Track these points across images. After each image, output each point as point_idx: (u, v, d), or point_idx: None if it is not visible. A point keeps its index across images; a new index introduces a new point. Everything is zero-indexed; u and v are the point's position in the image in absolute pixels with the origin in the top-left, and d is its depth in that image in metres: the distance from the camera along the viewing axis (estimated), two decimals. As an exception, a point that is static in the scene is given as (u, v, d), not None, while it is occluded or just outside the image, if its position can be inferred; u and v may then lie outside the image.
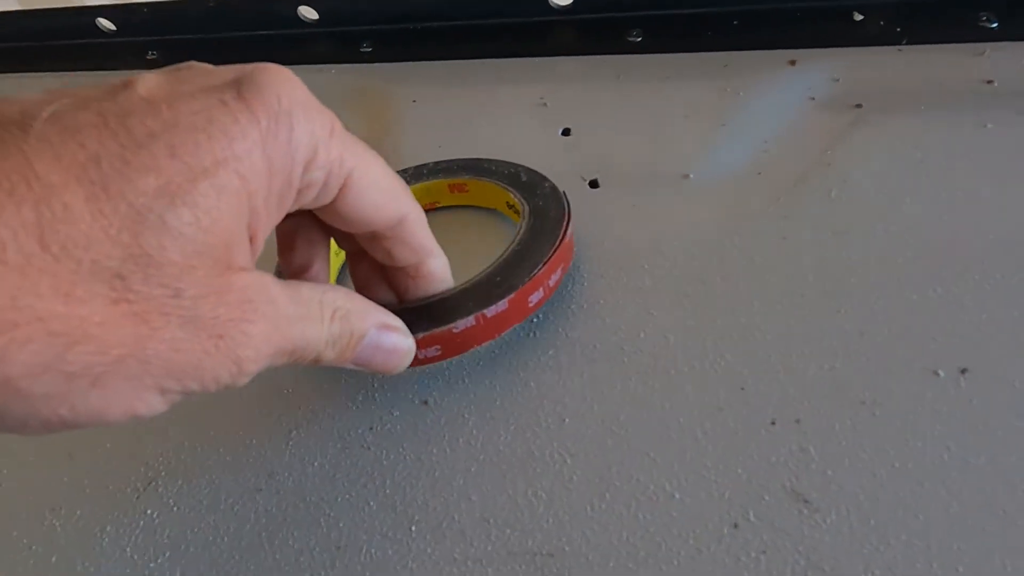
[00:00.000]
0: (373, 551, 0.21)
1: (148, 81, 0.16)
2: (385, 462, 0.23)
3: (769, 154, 0.30)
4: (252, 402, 0.25)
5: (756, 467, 0.20)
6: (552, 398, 0.23)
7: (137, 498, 0.24)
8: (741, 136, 0.31)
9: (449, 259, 0.24)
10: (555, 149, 0.33)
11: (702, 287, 0.25)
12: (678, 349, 0.24)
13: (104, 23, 0.47)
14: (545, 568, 0.20)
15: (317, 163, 0.18)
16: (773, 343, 0.23)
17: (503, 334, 0.24)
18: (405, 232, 0.21)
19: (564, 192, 0.27)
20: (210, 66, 0.18)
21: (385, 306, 0.21)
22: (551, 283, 0.24)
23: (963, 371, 0.21)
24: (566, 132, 0.33)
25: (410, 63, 0.40)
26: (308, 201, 0.19)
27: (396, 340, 0.21)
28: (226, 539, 0.22)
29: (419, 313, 0.23)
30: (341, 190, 0.19)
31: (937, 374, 0.21)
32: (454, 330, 0.22)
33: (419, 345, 0.22)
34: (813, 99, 0.31)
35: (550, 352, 0.24)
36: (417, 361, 0.22)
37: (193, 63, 0.18)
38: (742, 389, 0.22)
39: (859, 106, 0.30)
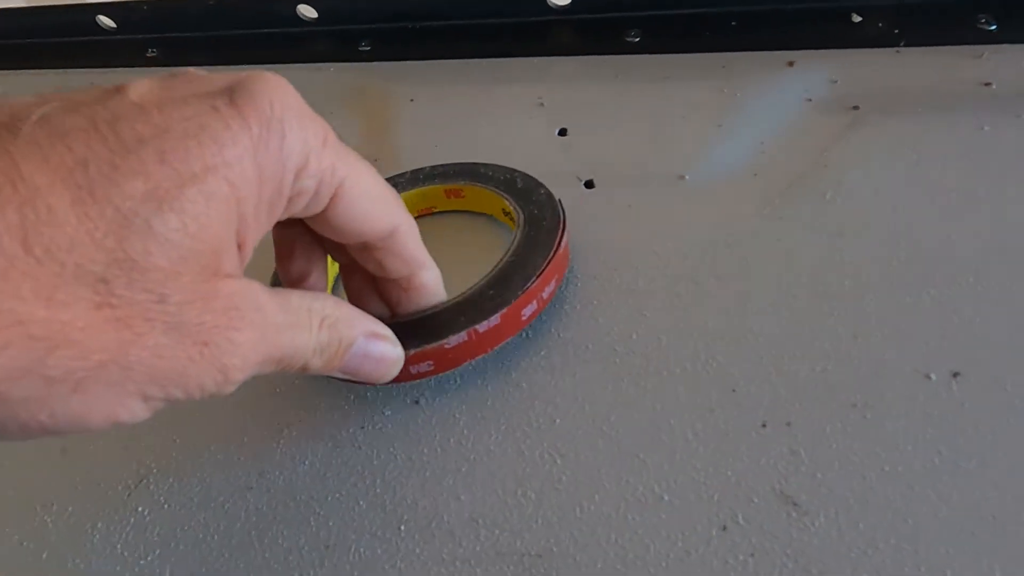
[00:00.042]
0: (362, 550, 0.21)
1: (140, 86, 0.16)
2: (376, 461, 0.23)
3: (765, 155, 0.30)
4: (244, 401, 0.25)
5: (746, 469, 0.20)
6: (543, 399, 0.23)
7: (128, 495, 0.24)
8: (738, 137, 0.31)
9: (444, 266, 0.24)
10: (552, 149, 0.33)
11: (695, 288, 0.25)
12: (670, 350, 0.23)
13: (104, 20, 0.47)
14: (533, 569, 0.20)
15: (308, 171, 0.18)
16: (765, 345, 0.23)
17: (497, 347, 0.24)
18: (396, 244, 0.21)
19: (560, 200, 0.27)
20: (205, 73, 0.18)
21: (378, 319, 0.21)
22: (545, 295, 0.24)
23: (955, 375, 0.21)
24: (563, 132, 0.33)
25: (408, 62, 0.40)
26: (299, 210, 0.18)
27: (384, 349, 0.21)
28: (216, 537, 0.22)
29: (411, 328, 0.23)
30: (332, 199, 0.19)
31: (929, 377, 0.21)
32: (446, 346, 0.22)
33: (411, 361, 0.22)
34: (810, 100, 0.31)
35: (542, 352, 0.24)
36: (409, 376, 0.23)
37: (188, 70, 0.18)
38: (733, 391, 0.22)
39: (856, 108, 0.30)
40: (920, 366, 0.21)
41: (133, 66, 0.46)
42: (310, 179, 0.18)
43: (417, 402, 0.24)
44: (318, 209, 0.19)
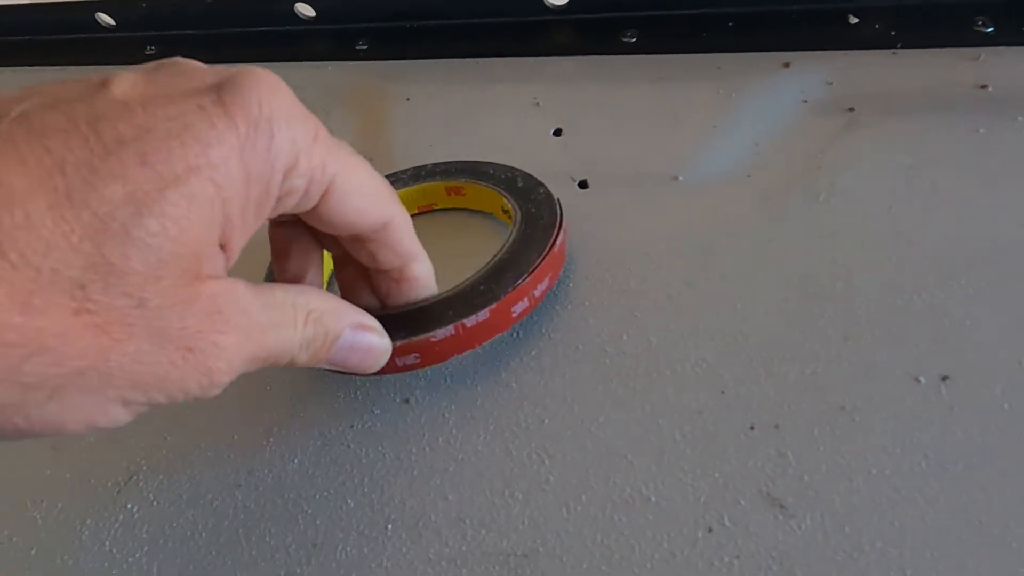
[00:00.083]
0: (349, 549, 0.21)
1: (124, 82, 0.16)
2: (364, 460, 0.23)
3: (759, 157, 0.29)
4: (235, 399, 0.25)
5: (733, 471, 0.20)
6: (533, 399, 0.23)
7: (118, 492, 0.24)
8: (732, 138, 0.31)
9: (442, 263, 0.24)
10: (546, 149, 0.33)
11: (687, 289, 0.25)
12: (660, 352, 0.23)
13: (103, 18, 0.47)
14: (519, 569, 0.20)
15: (298, 171, 0.17)
16: (755, 347, 0.23)
17: (485, 344, 0.23)
18: (389, 236, 0.21)
19: (559, 199, 0.27)
20: (194, 64, 0.17)
21: (367, 310, 0.21)
22: (537, 293, 0.24)
23: (944, 378, 0.21)
24: (558, 132, 0.33)
25: (405, 61, 0.40)
26: (288, 208, 0.18)
27: (371, 340, 0.21)
28: (204, 535, 0.22)
29: (399, 320, 0.23)
30: (323, 196, 0.19)
31: (918, 381, 0.21)
32: (432, 339, 0.22)
33: (397, 353, 0.22)
34: (806, 102, 0.31)
35: (532, 353, 0.24)
36: (395, 368, 0.22)
37: (178, 60, 0.17)
38: (722, 393, 0.22)
39: (852, 110, 0.30)
40: (910, 369, 0.21)
41: (132, 63, 0.46)
42: (300, 178, 0.17)
43: (407, 401, 0.24)
44: (308, 206, 0.19)
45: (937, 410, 0.20)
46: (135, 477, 0.24)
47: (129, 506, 0.23)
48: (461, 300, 0.23)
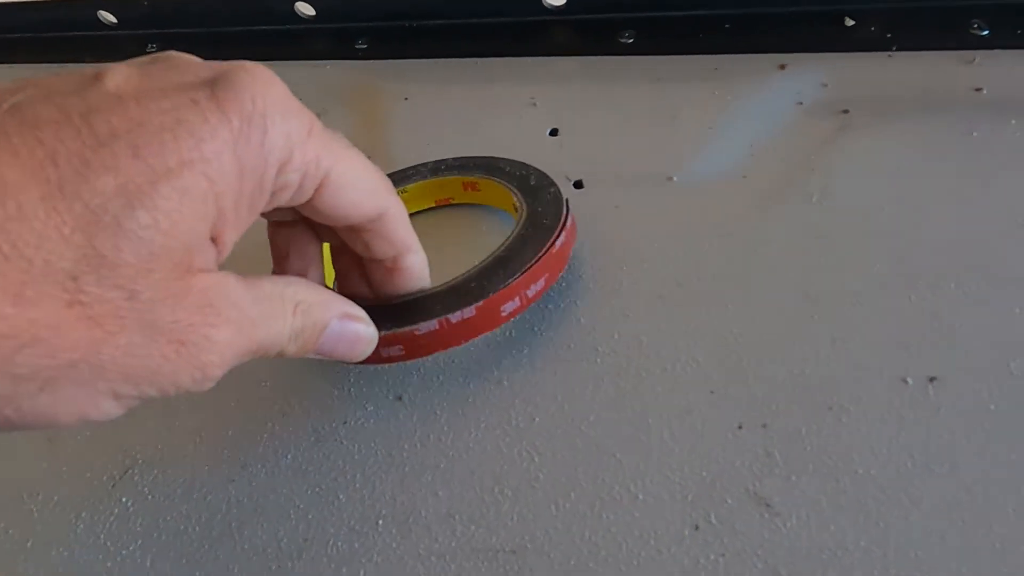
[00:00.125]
0: (340, 544, 0.21)
1: (119, 75, 0.16)
2: (356, 456, 0.23)
3: (754, 158, 0.30)
4: (230, 394, 0.26)
5: (720, 470, 0.20)
6: (524, 397, 0.23)
7: (113, 486, 0.24)
8: (727, 139, 0.31)
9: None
10: (542, 149, 0.33)
11: (678, 289, 0.25)
12: (651, 351, 0.24)
13: (105, 16, 0.47)
14: (507, 565, 0.20)
15: (292, 165, 0.17)
16: (745, 347, 0.23)
17: (473, 341, 0.23)
18: (384, 227, 0.21)
19: (567, 200, 0.26)
20: (189, 58, 0.18)
21: (358, 300, 0.21)
22: (530, 294, 0.24)
23: (932, 379, 0.21)
24: (554, 132, 0.33)
25: (404, 60, 0.40)
26: (283, 202, 0.18)
27: (358, 329, 0.21)
28: (197, 528, 0.22)
29: (386, 312, 0.23)
30: (318, 189, 0.19)
31: (906, 382, 0.21)
32: (416, 332, 0.22)
33: (381, 343, 0.22)
34: (801, 104, 0.31)
35: (524, 351, 0.25)
36: (380, 359, 0.23)
37: (171, 54, 0.17)
38: (711, 392, 0.22)
39: (846, 112, 0.30)
40: (898, 370, 0.21)
41: (133, 61, 0.46)
42: (294, 173, 0.18)
43: (400, 398, 0.24)
44: (303, 200, 0.19)
45: (924, 411, 0.20)
46: (130, 471, 0.24)
47: (124, 499, 0.24)
48: (450, 295, 0.23)
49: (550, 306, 0.26)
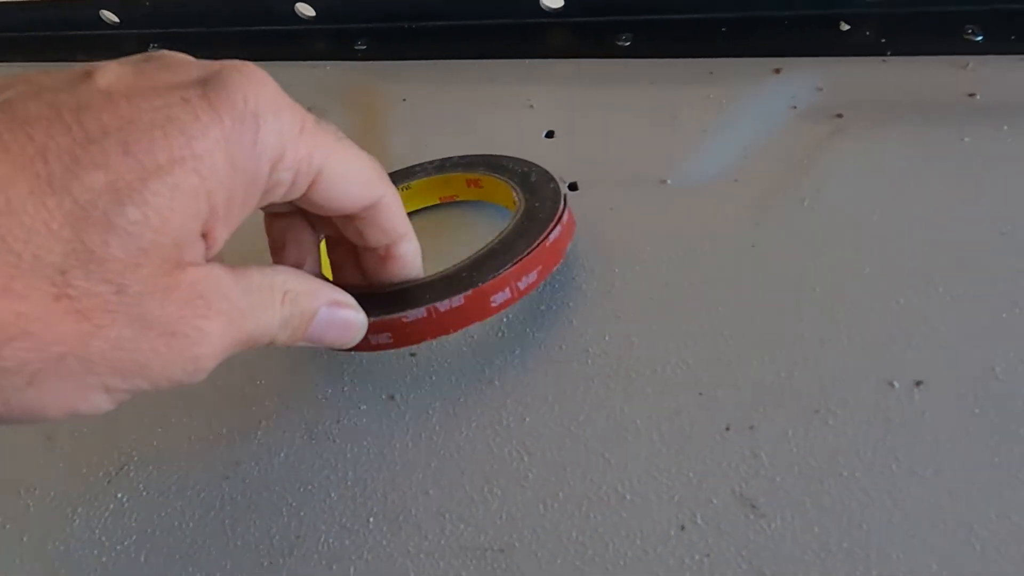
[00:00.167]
0: (331, 541, 0.21)
1: (110, 73, 0.16)
2: (349, 455, 0.23)
3: (747, 162, 0.30)
4: (225, 392, 0.26)
5: (707, 471, 0.21)
6: (515, 397, 0.24)
7: (108, 482, 0.24)
8: (721, 143, 0.31)
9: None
10: (538, 151, 0.33)
11: (669, 291, 0.25)
12: (641, 352, 0.24)
13: (107, 15, 0.48)
14: (495, 563, 0.20)
15: (284, 163, 0.18)
16: (734, 349, 0.23)
17: (461, 330, 0.23)
18: (378, 215, 0.21)
19: (565, 195, 0.26)
20: (181, 57, 0.18)
21: (348, 288, 0.21)
22: (521, 286, 0.24)
23: (918, 383, 0.21)
24: (550, 135, 0.34)
25: (403, 62, 0.40)
26: (276, 199, 0.19)
27: (347, 315, 0.21)
28: (191, 524, 0.23)
29: (375, 299, 0.23)
30: (312, 184, 0.19)
31: (892, 385, 0.21)
32: (404, 319, 0.22)
33: (370, 330, 0.22)
34: (795, 108, 0.31)
35: (516, 351, 0.25)
36: (369, 346, 0.23)
37: (164, 53, 0.18)
38: (700, 394, 0.22)
39: (840, 116, 0.30)
40: (884, 374, 0.22)
41: (135, 60, 0.47)
42: (287, 171, 0.18)
43: (392, 397, 0.25)
44: (296, 196, 0.19)
45: (909, 414, 0.21)
46: (126, 467, 0.25)
47: (119, 495, 0.24)
48: (440, 284, 0.23)
49: (542, 307, 0.26)
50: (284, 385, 0.26)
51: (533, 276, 0.24)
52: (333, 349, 0.24)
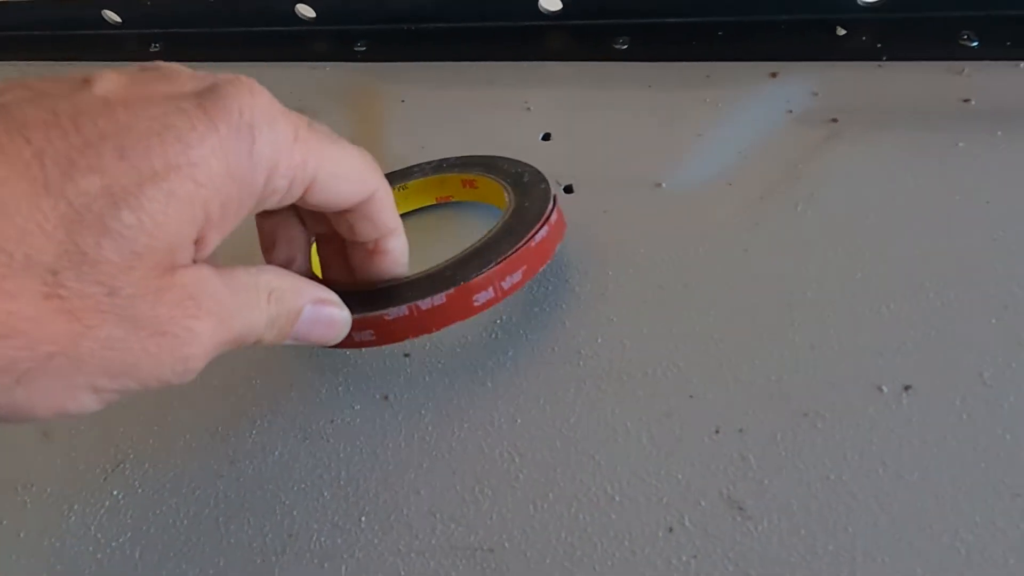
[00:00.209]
0: (323, 539, 0.22)
1: (108, 81, 0.16)
2: (342, 454, 0.24)
3: (742, 165, 0.30)
4: (220, 391, 0.26)
5: (696, 473, 0.21)
6: (507, 398, 0.24)
7: (104, 479, 0.24)
8: (716, 147, 0.31)
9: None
10: (535, 153, 0.33)
11: (662, 294, 0.26)
12: (633, 355, 0.24)
13: (110, 15, 0.48)
14: (484, 563, 0.20)
15: (279, 172, 0.18)
16: (725, 353, 0.23)
17: (445, 328, 0.23)
18: (369, 208, 0.22)
19: (555, 196, 0.26)
20: (178, 68, 0.18)
21: (332, 286, 0.22)
22: (505, 285, 0.24)
23: (907, 388, 0.21)
24: (546, 137, 0.34)
25: (402, 63, 0.41)
26: (271, 205, 0.19)
27: (332, 312, 0.21)
28: (185, 522, 0.23)
29: (359, 297, 0.23)
30: (307, 189, 0.19)
31: (881, 390, 0.21)
32: (386, 317, 0.22)
33: (353, 327, 0.22)
34: (791, 112, 0.32)
35: (509, 353, 0.25)
36: (353, 343, 0.23)
37: (160, 64, 0.18)
38: (690, 397, 0.22)
39: (835, 120, 0.31)
40: (873, 378, 0.22)
41: (137, 60, 0.47)
42: (281, 179, 0.18)
43: (386, 397, 0.25)
44: (291, 201, 0.19)
45: (897, 419, 0.21)
46: (122, 465, 0.25)
47: (115, 493, 0.24)
48: (424, 282, 0.23)
49: (535, 309, 0.26)
50: (279, 385, 0.26)
51: (518, 276, 0.24)
52: (318, 347, 0.24)
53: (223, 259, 0.19)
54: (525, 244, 0.24)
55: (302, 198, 0.20)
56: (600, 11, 0.38)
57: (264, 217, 0.23)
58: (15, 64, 0.50)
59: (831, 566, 0.18)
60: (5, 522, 0.24)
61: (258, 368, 0.27)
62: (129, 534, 0.23)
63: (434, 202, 0.32)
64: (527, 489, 0.21)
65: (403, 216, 0.31)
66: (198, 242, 0.17)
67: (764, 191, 0.28)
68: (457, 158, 0.31)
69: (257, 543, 0.22)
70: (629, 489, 0.21)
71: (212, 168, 0.16)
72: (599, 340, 0.25)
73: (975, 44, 0.31)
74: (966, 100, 0.30)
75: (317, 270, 0.26)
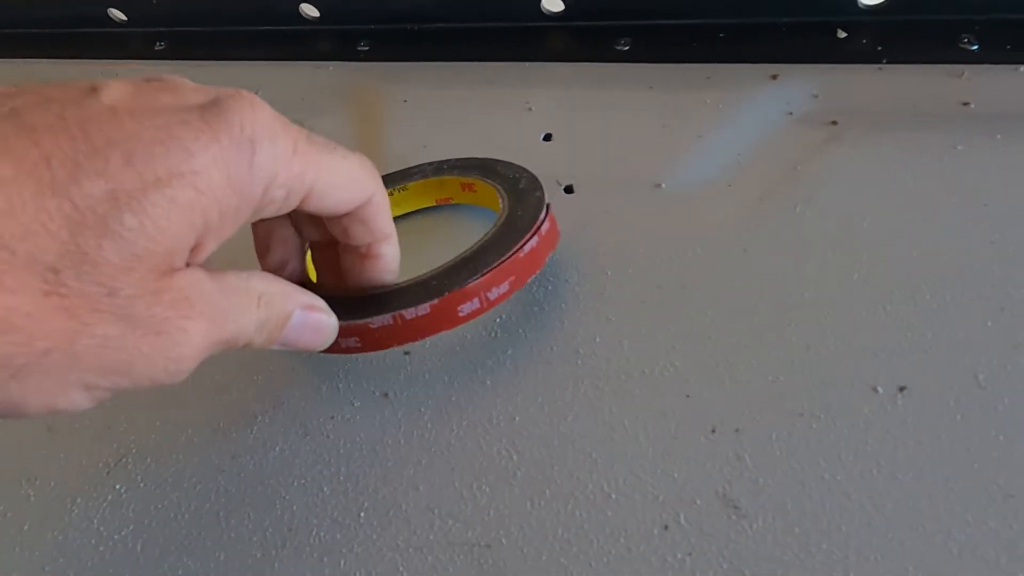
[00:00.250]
0: (323, 534, 0.22)
1: (115, 90, 0.16)
2: (342, 450, 0.24)
3: (741, 167, 0.30)
4: (222, 388, 0.26)
5: (692, 472, 0.21)
6: (505, 396, 0.24)
7: (107, 473, 0.25)
8: (716, 148, 0.31)
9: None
10: (536, 153, 0.33)
11: (661, 294, 0.26)
12: (631, 354, 0.24)
13: (115, 13, 0.48)
14: (481, 559, 0.20)
15: (277, 183, 0.18)
16: (722, 352, 0.23)
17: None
18: (365, 213, 0.22)
19: (548, 204, 0.26)
20: (182, 81, 0.18)
21: (320, 293, 0.22)
22: (491, 296, 0.24)
23: (902, 389, 0.21)
24: (547, 137, 0.34)
25: (405, 63, 0.41)
26: (269, 215, 0.19)
27: (319, 319, 0.21)
28: (186, 516, 0.23)
29: (347, 304, 0.23)
30: (304, 199, 0.19)
31: (876, 391, 0.22)
32: (371, 325, 0.23)
33: (339, 334, 0.22)
34: (791, 114, 0.32)
35: (508, 352, 0.25)
36: (339, 349, 0.23)
37: (165, 77, 0.18)
38: (687, 396, 0.23)
39: (834, 123, 0.31)
40: (869, 379, 0.22)
41: (142, 59, 0.47)
42: (279, 189, 0.18)
43: (386, 395, 0.25)
44: (288, 210, 0.20)
45: (892, 420, 0.21)
46: (124, 459, 0.25)
47: (117, 487, 0.24)
48: (410, 291, 0.23)
49: (534, 308, 0.26)
50: (280, 381, 0.26)
51: (505, 287, 0.24)
52: (305, 352, 0.24)
53: (219, 264, 0.19)
54: (513, 255, 0.24)
55: (300, 205, 0.20)
56: (602, 12, 0.38)
57: (259, 222, 0.23)
58: (21, 62, 0.50)
59: (825, 565, 0.19)
60: (9, 514, 0.24)
61: (259, 365, 0.27)
62: (131, 527, 0.23)
63: (434, 203, 0.32)
64: (524, 486, 0.22)
65: (403, 217, 0.32)
66: (195, 248, 0.17)
67: (763, 192, 0.29)
68: (457, 160, 0.31)
69: (257, 537, 0.22)
70: (625, 487, 0.21)
71: (213, 177, 0.16)
72: (597, 339, 0.25)
73: (975, 47, 0.31)
74: (965, 103, 0.30)
75: (313, 275, 0.26)
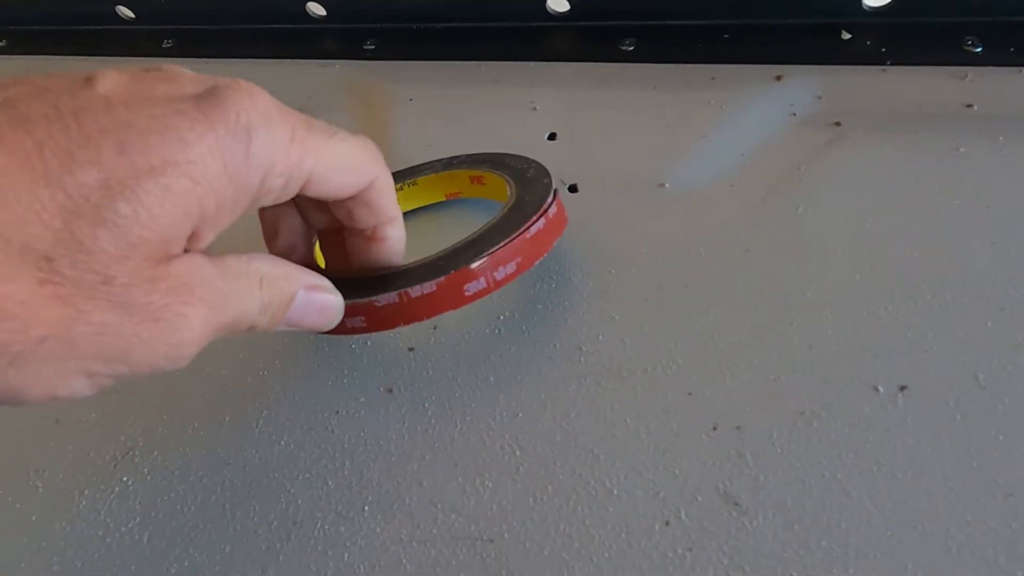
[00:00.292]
0: (327, 528, 0.22)
1: (110, 80, 0.16)
2: (347, 445, 0.24)
3: (744, 167, 0.30)
4: (228, 381, 0.27)
5: (693, 469, 0.21)
6: (509, 393, 0.24)
7: (115, 466, 0.25)
8: (720, 148, 0.31)
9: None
10: (540, 152, 0.33)
11: (663, 293, 0.26)
12: (633, 352, 0.24)
13: (123, 11, 0.49)
14: (484, 552, 0.21)
15: (275, 172, 0.18)
16: (724, 351, 0.24)
17: (436, 317, 0.23)
18: (369, 196, 0.22)
19: (556, 190, 0.26)
20: (179, 70, 0.18)
21: (324, 272, 0.22)
22: (498, 276, 0.23)
23: (902, 388, 0.22)
24: (552, 137, 0.34)
25: (411, 62, 0.41)
26: (268, 203, 0.19)
27: (325, 298, 0.21)
28: (192, 508, 0.23)
29: (352, 283, 0.23)
30: (304, 186, 0.19)
31: (877, 390, 0.22)
32: (376, 303, 0.23)
33: (345, 313, 0.22)
34: (795, 115, 0.32)
35: (511, 349, 0.25)
36: (344, 329, 0.23)
37: (163, 66, 0.18)
38: (689, 394, 0.23)
39: (838, 124, 0.31)
40: (870, 378, 0.22)
41: (150, 56, 0.48)
42: (277, 178, 0.18)
43: (391, 390, 0.25)
44: (287, 198, 0.20)
45: (892, 419, 0.21)
46: (132, 452, 0.25)
47: (124, 479, 0.25)
48: (417, 271, 0.23)
49: (538, 305, 0.27)
50: (286, 376, 0.27)
51: (511, 267, 0.24)
52: (311, 332, 0.24)
53: (229, 251, 0.19)
54: (520, 235, 0.24)
55: (301, 191, 0.20)
56: (607, 12, 0.38)
57: (266, 208, 0.24)
58: (29, 58, 0.51)
59: (824, 562, 0.19)
60: (18, 506, 0.25)
61: (265, 360, 0.27)
62: (138, 519, 0.23)
63: (444, 198, 0.32)
64: (527, 481, 0.22)
65: (412, 212, 0.32)
66: (193, 236, 0.17)
67: (766, 193, 0.29)
68: (466, 155, 0.32)
69: (262, 530, 0.22)
70: (627, 483, 0.21)
71: (209, 167, 0.16)
72: (600, 337, 0.25)
73: (979, 50, 0.31)
74: (969, 105, 0.30)
75: (321, 262, 0.26)
